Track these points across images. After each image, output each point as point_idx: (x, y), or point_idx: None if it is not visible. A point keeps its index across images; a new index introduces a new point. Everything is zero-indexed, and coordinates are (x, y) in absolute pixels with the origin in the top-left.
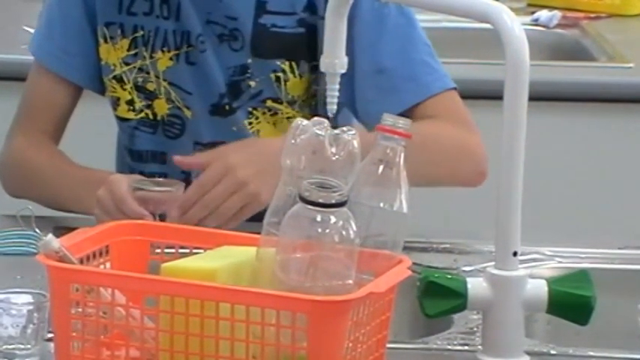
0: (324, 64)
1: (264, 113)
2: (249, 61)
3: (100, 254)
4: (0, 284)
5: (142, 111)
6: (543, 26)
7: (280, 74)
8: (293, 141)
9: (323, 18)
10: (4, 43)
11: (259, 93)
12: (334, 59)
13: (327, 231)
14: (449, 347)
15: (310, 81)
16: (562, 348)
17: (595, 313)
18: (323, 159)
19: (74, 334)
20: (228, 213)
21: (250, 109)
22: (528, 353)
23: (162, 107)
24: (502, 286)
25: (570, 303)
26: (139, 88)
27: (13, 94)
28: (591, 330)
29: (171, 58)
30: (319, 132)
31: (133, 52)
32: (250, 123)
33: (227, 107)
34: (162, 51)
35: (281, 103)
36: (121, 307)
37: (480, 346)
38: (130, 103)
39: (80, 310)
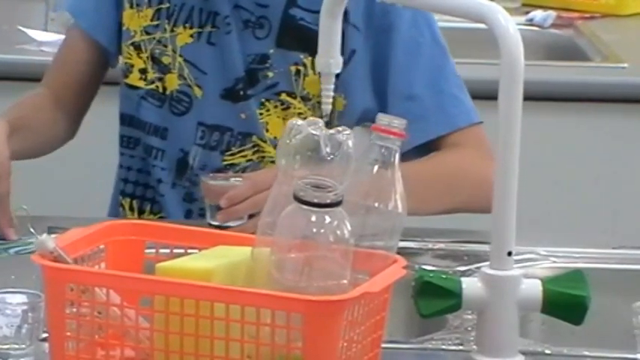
0: (319, 63)
1: (275, 106)
2: (271, 51)
3: (95, 254)
4: None
5: (152, 82)
6: (538, 26)
7: (301, 68)
8: (288, 141)
9: (354, 26)
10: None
11: (275, 85)
12: (329, 59)
13: (322, 231)
14: (443, 347)
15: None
16: (557, 348)
17: (590, 312)
18: (318, 159)
19: (69, 333)
20: None
21: (263, 99)
22: (523, 353)
23: (172, 82)
24: (497, 286)
25: (565, 303)
26: (155, 60)
27: (9, 94)
28: (586, 330)
29: (191, 36)
30: (314, 132)
31: (155, 22)
32: (261, 114)
33: (241, 93)
34: (184, 27)
35: (295, 97)
36: (116, 307)
37: (474, 346)
38: (143, 72)
39: (75, 309)
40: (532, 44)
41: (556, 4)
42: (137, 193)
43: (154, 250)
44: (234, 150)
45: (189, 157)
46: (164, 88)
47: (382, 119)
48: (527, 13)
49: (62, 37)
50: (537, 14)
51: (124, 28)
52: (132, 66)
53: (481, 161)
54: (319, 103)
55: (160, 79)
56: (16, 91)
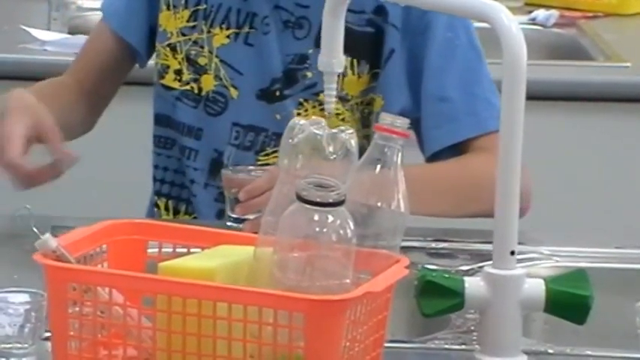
0: (321, 63)
1: (314, 107)
2: (311, 51)
3: (98, 253)
4: None
5: (188, 83)
6: (541, 25)
7: None
8: (290, 140)
9: (394, 26)
10: (2, 43)
11: (314, 85)
12: (332, 58)
13: (325, 230)
14: (446, 347)
15: (367, 83)
16: (560, 347)
17: (592, 312)
18: (320, 158)
19: (71, 333)
20: None
21: (301, 99)
22: (526, 352)
23: (208, 83)
24: (499, 285)
25: (568, 302)
26: (190, 61)
27: None
28: (589, 329)
29: (228, 36)
30: (317, 131)
31: (191, 24)
32: (299, 113)
33: (277, 93)
34: (221, 28)
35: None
36: (119, 307)
37: (477, 346)
38: (178, 73)
39: (77, 309)
40: (535, 43)
41: (559, 3)
42: (173, 194)
43: (156, 250)
44: (269, 150)
45: (224, 158)
46: (199, 89)
47: (385, 119)
48: (530, 12)
49: (65, 36)
50: (540, 13)
51: (160, 30)
52: (168, 67)
53: None
54: (357, 104)
55: (195, 80)
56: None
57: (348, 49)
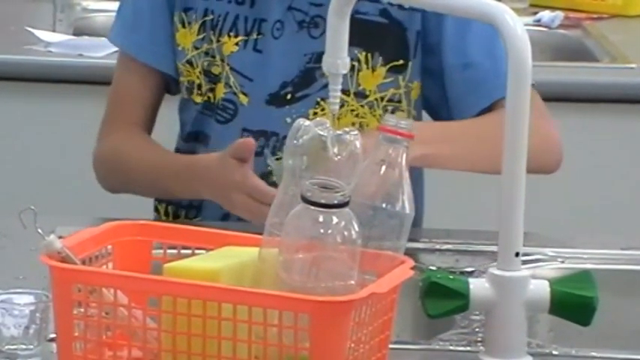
0: (326, 63)
1: None
2: None
3: (103, 254)
4: (2, 284)
5: (205, 94)
6: (546, 27)
7: (355, 63)
8: (295, 141)
9: (414, 9)
10: (7, 44)
11: None
12: (336, 59)
13: (330, 231)
14: (451, 348)
15: (383, 77)
16: (564, 348)
17: (597, 313)
18: (325, 159)
19: (76, 334)
20: None
21: (319, 99)
22: (531, 354)
23: (219, 91)
24: (504, 286)
25: (573, 303)
26: (206, 72)
27: (17, 94)
28: (594, 330)
29: (237, 44)
30: (321, 132)
31: (201, 35)
32: (315, 113)
33: (288, 97)
34: (229, 36)
35: (349, 94)
36: (124, 308)
37: (482, 347)
38: (199, 87)
39: (82, 310)
40: (540, 45)
41: (564, 4)
42: (173, 200)
43: (161, 251)
44: (280, 155)
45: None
46: (214, 98)
47: (389, 120)
48: (535, 13)
49: (70, 37)
50: (545, 15)
51: (179, 49)
52: (193, 82)
53: (541, 123)
54: (376, 100)
55: (212, 90)
56: (24, 92)
57: (363, 44)
